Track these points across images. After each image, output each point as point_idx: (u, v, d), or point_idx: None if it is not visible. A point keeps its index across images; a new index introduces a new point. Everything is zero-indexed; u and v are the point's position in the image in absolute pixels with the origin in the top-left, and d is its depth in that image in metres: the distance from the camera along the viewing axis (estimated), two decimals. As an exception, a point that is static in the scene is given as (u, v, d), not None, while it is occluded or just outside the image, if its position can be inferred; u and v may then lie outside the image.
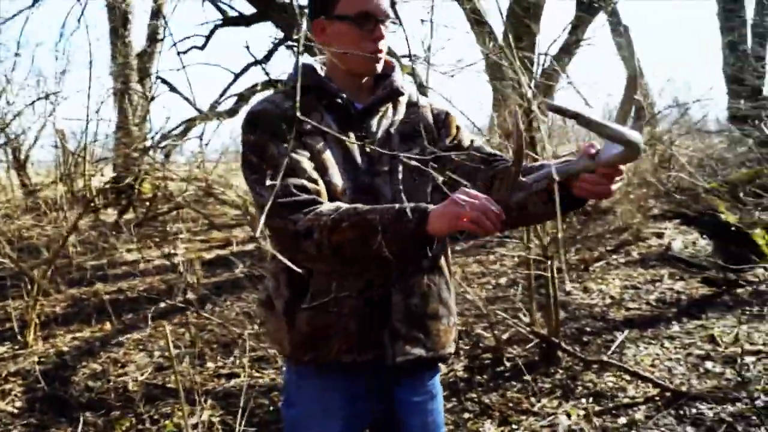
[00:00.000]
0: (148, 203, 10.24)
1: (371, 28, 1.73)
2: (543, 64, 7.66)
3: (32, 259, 5.90)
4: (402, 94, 1.89)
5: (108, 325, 5.38)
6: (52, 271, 6.38)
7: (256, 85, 9.36)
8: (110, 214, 10.63)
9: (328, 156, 1.72)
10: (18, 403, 4.00)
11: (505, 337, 4.49)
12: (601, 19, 10.08)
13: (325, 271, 1.72)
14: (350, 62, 1.75)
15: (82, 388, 4.19)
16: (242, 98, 9.72)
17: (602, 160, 1.42)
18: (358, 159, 1.76)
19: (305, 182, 1.63)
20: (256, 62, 8.15)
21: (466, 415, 3.60)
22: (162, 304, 5.38)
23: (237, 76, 9.65)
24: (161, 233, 9.52)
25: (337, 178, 1.70)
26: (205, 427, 3.51)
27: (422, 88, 7.62)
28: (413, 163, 1.51)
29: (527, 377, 3.90)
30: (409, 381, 1.87)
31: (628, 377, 3.82)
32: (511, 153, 1.49)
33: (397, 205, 1.56)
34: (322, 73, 1.84)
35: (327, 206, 1.60)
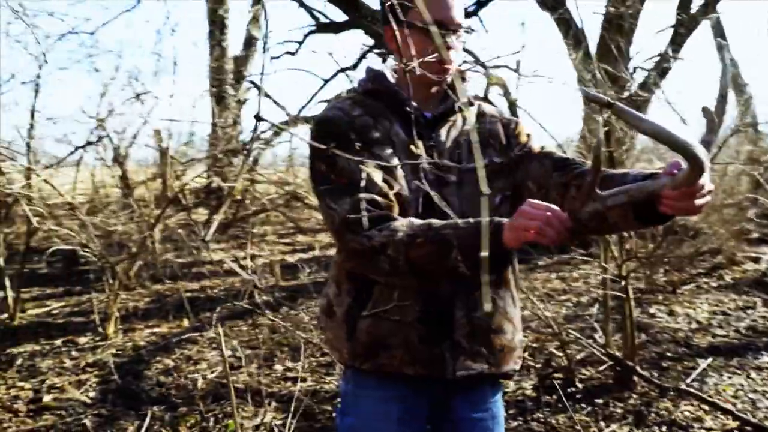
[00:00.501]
0: (236, 205, 10.44)
1: (442, 37, 1.68)
2: (633, 75, 7.47)
3: (119, 254, 6.07)
4: (472, 104, 1.85)
5: (185, 322, 5.49)
6: (137, 267, 6.59)
7: (341, 93, 9.42)
8: (202, 214, 10.89)
9: (397, 167, 1.69)
10: (92, 394, 4.11)
11: (579, 357, 4.34)
12: (703, 29, 9.69)
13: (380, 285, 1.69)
14: (421, 71, 1.68)
15: (153, 382, 4.27)
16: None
17: (672, 182, 1.32)
18: (427, 170, 1.71)
19: (376, 197, 1.60)
20: (344, 69, 8.20)
21: (531, 436, 3.49)
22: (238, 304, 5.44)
23: (326, 82, 9.74)
24: (247, 234, 9.69)
25: (406, 189, 1.67)
26: (267, 428, 3.52)
27: (511, 101, 7.53)
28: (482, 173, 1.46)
29: (598, 400, 3.76)
30: (469, 397, 1.81)
31: (706, 407, 3.62)
32: (589, 163, 1.41)
33: (471, 220, 1.53)
34: (392, 80, 1.81)
35: (401, 222, 1.58)
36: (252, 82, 11.50)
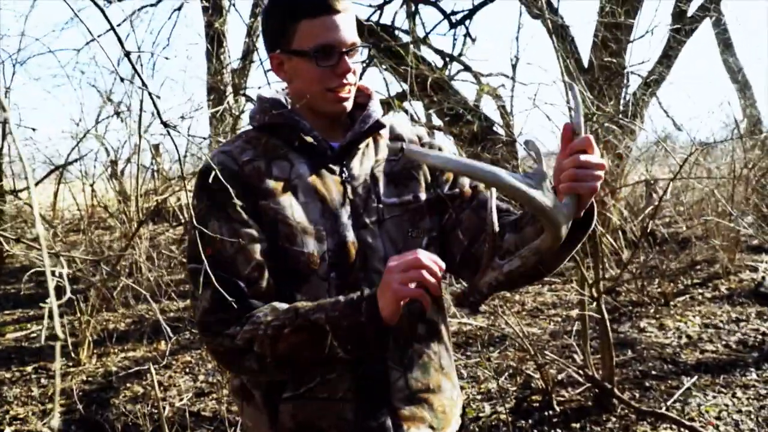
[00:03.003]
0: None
1: (334, 62, 1.47)
2: (627, 81, 7.31)
3: (102, 274, 5.96)
4: (383, 126, 1.62)
5: (162, 345, 5.37)
6: (122, 287, 6.48)
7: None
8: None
9: (298, 218, 1.47)
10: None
11: (559, 378, 4.18)
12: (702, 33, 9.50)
13: None
14: (314, 102, 1.51)
15: (119, 411, 4.15)
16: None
17: (541, 243, 1.25)
18: (340, 211, 1.51)
19: (241, 283, 1.40)
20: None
21: (500, 466, 3.33)
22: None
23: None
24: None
25: (312, 244, 1.46)
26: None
27: (505, 112, 7.39)
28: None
29: (575, 425, 3.60)
30: None
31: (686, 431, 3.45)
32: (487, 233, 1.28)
33: (342, 297, 1.36)
34: (288, 106, 1.58)
35: (264, 310, 1.39)
36: (247, 96, 11.40)
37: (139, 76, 0.73)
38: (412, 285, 1.28)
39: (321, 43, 1.45)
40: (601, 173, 1.25)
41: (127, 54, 0.73)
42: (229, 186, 1.40)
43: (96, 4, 0.70)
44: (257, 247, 1.43)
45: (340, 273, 1.46)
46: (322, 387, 1.46)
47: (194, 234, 1.40)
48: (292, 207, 1.47)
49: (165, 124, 0.78)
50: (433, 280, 1.27)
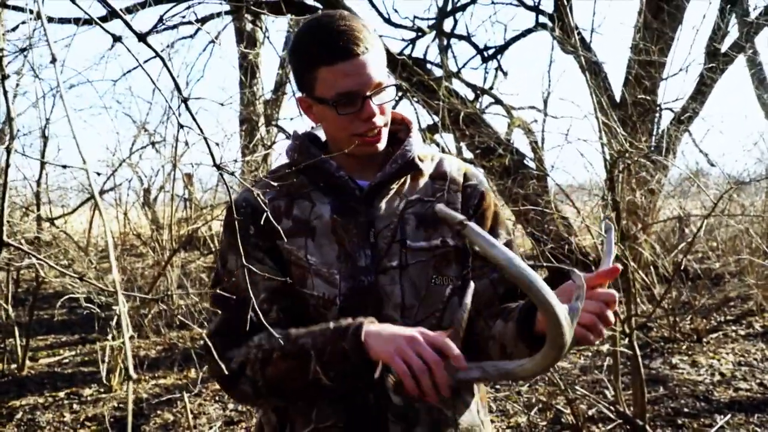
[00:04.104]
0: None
1: (357, 108, 1.40)
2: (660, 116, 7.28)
3: (134, 301, 6.03)
4: (417, 168, 1.53)
5: (193, 373, 5.41)
6: (153, 314, 6.55)
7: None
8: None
9: (311, 260, 1.45)
10: (86, 450, 4.04)
11: (590, 413, 4.14)
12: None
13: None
14: (344, 146, 1.46)
15: (149, 438, 4.19)
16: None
17: (531, 365, 1.17)
18: (358, 254, 1.45)
19: (251, 312, 1.33)
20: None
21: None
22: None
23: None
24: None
25: (323, 288, 1.43)
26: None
27: (536, 146, 7.39)
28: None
29: (606, 462, 3.56)
30: None
31: (719, 472, 3.40)
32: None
33: (332, 324, 1.34)
34: (323, 140, 1.57)
35: (260, 335, 1.38)
36: (279, 126, 11.54)
37: (197, 123, 0.77)
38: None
39: (341, 91, 1.39)
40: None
41: (185, 100, 0.76)
42: (251, 224, 1.46)
43: (158, 55, 0.74)
44: (270, 285, 1.43)
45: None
46: None
47: (218, 264, 1.49)
48: (307, 248, 1.46)
49: (218, 167, 0.82)
50: (426, 382, 1.21)
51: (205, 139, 0.80)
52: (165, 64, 0.76)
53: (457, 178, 1.57)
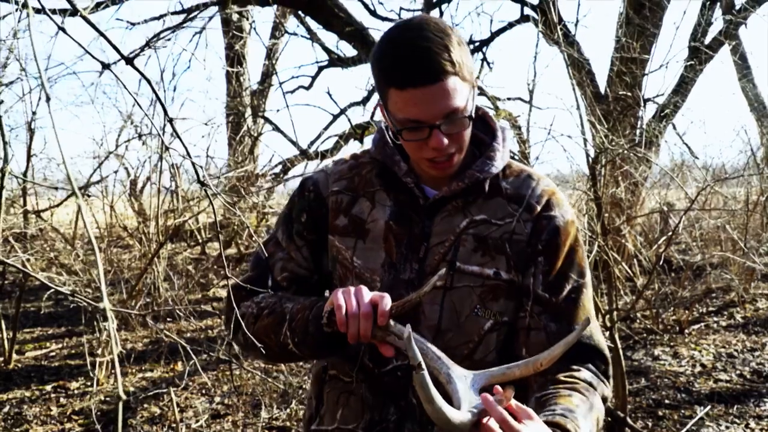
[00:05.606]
0: (248, 238, 10.41)
1: (424, 137, 1.32)
2: (644, 109, 7.33)
3: (119, 293, 6.05)
4: (484, 190, 1.43)
5: (180, 366, 5.43)
6: (139, 306, 6.55)
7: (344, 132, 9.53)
8: (215, 249, 10.87)
9: (356, 262, 1.44)
10: (73, 444, 4.06)
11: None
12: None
13: (334, 394, 1.50)
14: (414, 162, 1.43)
15: (137, 432, 4.21)
16: (341, 139, 9.79)
17: None
18: (403, 266, 1.41)
19: (270, 280, 1.49)
20: (351, 105, 8.19)
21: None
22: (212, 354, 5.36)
23: (335, 117, 9.74)
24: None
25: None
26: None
27: (521, 141, 7.43)
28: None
29: (588, 454, 3.61)
30: None
31: (698, 463, 3.47)
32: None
33: (316, 300, 1.39)
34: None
35: (264, 294, 1.46)
36: (266, 118, 11.54)
37: (183, 143, 0.79)
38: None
39: (407, 117, 1.31)
40: None
41: (171, 120, 0.79)
42: (306, 211, 1.51)
43: (144, 77, 0.77)
44: (298, 270, 1.50)
45: None
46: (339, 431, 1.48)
47: (275, 223, 1.57)
48: (355, 250, 1.45)
49: (203, 184, 0.84)
50: (352, 323, 1.24)
51: (193, 164, 0.83)
52: (152, 87, 0.79)
53: (533, 205, 1.44)
